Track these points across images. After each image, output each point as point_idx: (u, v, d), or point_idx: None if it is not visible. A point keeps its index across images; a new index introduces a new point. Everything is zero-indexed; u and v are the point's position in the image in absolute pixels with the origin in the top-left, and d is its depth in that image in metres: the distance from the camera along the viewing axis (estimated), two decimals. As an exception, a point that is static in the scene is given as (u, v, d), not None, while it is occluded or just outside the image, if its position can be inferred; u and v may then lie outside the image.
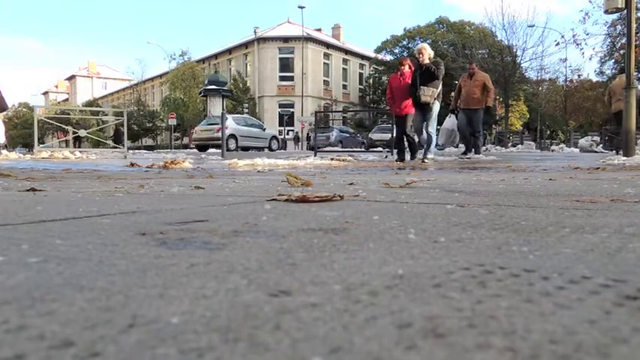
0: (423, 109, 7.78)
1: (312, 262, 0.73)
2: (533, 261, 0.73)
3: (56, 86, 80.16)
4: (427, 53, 7.89)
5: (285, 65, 37.17)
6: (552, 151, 18.13)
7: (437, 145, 9.49)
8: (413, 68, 8.12)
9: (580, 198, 1.70)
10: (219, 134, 12.37)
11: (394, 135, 8.80)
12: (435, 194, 1.90)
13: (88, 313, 0.49)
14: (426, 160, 7.59)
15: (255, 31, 39.16)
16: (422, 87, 7.62)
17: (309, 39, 37.26)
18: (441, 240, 0.90)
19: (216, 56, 43.74)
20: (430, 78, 7.64)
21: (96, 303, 0.52)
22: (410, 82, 7.93)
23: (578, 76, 33.60)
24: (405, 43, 42.85)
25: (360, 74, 43.69)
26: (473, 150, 9.43)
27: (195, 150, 19.17)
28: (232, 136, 18.27)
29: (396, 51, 43.35)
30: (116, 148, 13.51)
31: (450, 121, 9.45)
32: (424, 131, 7.89)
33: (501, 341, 0.41)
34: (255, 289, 0.58)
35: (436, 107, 7.72)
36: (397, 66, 8.49)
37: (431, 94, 7.54)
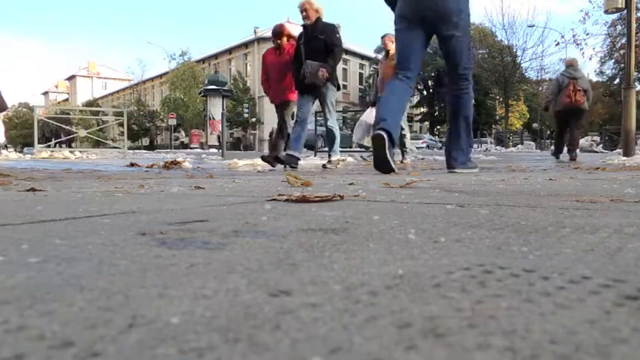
0: (312, 93, 5.41)
1: (312, 262, 0.73)
2: (533, 261, 0.73)
3: (56, 86, 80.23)
4: (314, 10, 5.41)
5: (285, 65, 37.13)
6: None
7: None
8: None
9: (580, 198, 1.70)
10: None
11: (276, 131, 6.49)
12: (435, 194, 1.90)
13: (88, 313, 0.49)
14: (329, 165, 5.55)
15: (255, 31, 39.16)
16: (308, 61, 5.24)
17: (309, 39, 37.19)
18: (441, 240, 0.90)
19: (216, 56, 43.74)
20: (323, 49, 5.30)
21: (96, 303, 0.52)
22: (292, 57, 5.60)
23: (578, 76, 33.60)
24: (405, 43, 42.83)
25: (360, 74, 43.71)
26: (401, 153, 7.44)
27: (196, 150, 19.13)
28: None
29: (396, 51, 43.33)
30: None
31: (370, 115, 7.58)
32: (326, 124, 5.59)
33: (501, 341, 0.41)
34: (255, 289, 0.58)
35: (332, 92, 5.47)
36: (276, 38, 6.02)
37: (321, 71, 5.21)
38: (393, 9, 3.42)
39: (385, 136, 3.19)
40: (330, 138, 5.72)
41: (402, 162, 6.89)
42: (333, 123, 5.63)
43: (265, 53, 6.15)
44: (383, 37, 7.15)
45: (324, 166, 5.69)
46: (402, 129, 6.97)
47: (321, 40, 5.32)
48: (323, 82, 5.30)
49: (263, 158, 6.00)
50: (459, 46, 3.21)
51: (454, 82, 3.28)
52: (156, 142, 43.56)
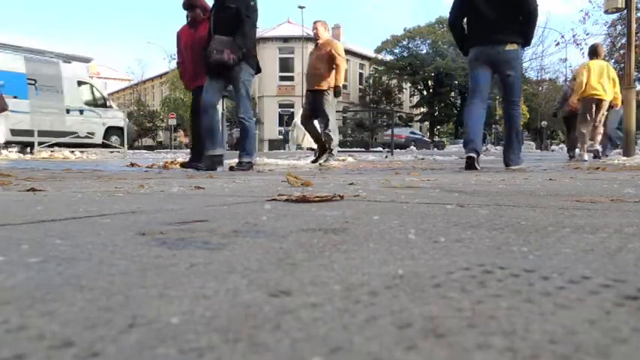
0: (222, 76, 4.47)
1: (312, 262, 0.73)
2: (533, 261, 0.73)
3: (55, 86, 79.96)
4: None
5: (285, 65, 37.18)
6: (552, 151, 18.13)
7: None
8: None
9: (580, 198, 1.70)
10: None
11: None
12: (435, 194, 1.90)
13: (88, 313, 0.49)
14: (237, 167, 4.52)
15: (254, 31, 39.15)
16: (216, 36, 4.35)
17: (309, 39, 37.23)
18: (440, 240, 0.90)
19: (216, 56, 43.67)
20: (234, 20, 4.33)
21: (96, 303, 0.52)
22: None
23: (579, 76, 33.58)
24: (405, 43, 42.85)
25: (360, 74, 43.70)
26: (326, 152, 6.40)
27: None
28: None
29: (396, 51, 43.38)
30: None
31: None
32: (238, 115, 4.51)
33: (501, 341, 0.41)
34: (255, 289, 0.58)
35: (246, 74, 4.47)
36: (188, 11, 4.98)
37: (231, 47, 4.28)
38: (463, 52, 4.66)
39: (474, 156, 4.27)
40: (243, 133, 4.59)
41: (322, 162, 6.06)
42: (246, 114, 4.50)
43: (180, 31, 5.04)
44: (315, 23, 6.31)
45: (231, 168, 4.55)
46: (329, 131, 6.24)
47: (231, 10, 4.33)
48: (232, 62, 4.33)
49: (182, 165, 5.01)
50: (512, 82, 4.35)
51: (508, 105, 4.48)
52: (155, 142, 43.60)
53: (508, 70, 4.32)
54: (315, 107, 6.24)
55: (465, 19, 4.47)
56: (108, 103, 15.04)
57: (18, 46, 14.03)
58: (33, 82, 12.58)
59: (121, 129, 13.75)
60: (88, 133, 13.48)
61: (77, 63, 15.07)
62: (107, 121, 14.20)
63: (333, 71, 6.19)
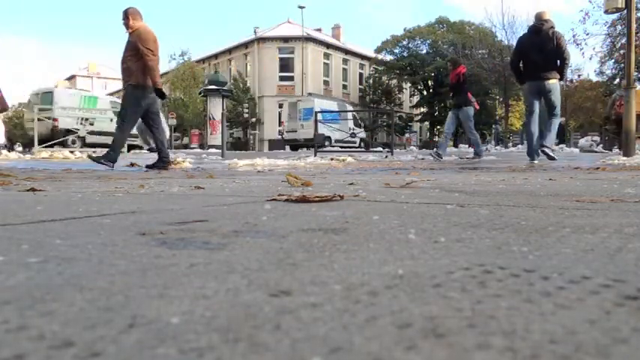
0: None
1: (312, 262, 0.73)
2: (533, 261, 0.73)
3: (56, 86, 79.97)
4: None
5: (285, 65, 37.13)
6: (552, 150, 18.12)
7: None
8: None
9: (580, 198, 1.70)
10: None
11: None
12: (435, 194, 1.90)
13: (88, 313, 0.49)
14: None
15: (255, 31, 39.15)
16: None
17: (309, 39, 37.22)
18: (441, 240, 0.90)
19: (216, 56, 43.68)
20: None
21: (96, 303, 0.52)
22: None
23: (578, 76, 33.48)
24: (405, 43, 42.83)
25: (360, 74, 43.65)
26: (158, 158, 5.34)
27: (195, 150, 20.10)
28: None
29: (396, 51, 43.36)
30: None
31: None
32: None
33: (501, 341, 0.41)
34: (255, 289, 0.58)
35: None
36: None
37: None
38: (520, 82, 6.98)
39: (536, 161, 6.41)
40: None
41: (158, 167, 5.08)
42: None
43: None
44: (123, 13, 5.27)
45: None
46: (154, 128, 5.25)
47: None
48: None
49: None
50: (554, 103, 6.44)
51: (550, 116, 6.56)
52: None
53: (551, 96, 6.51)
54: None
55: (522, 63, 6.71)
56: (360, 123, 25.90)
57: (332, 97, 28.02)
58: (338, 114, 23.14)
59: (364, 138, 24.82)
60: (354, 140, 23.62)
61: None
62: (359, 134, 23.58)
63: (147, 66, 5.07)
